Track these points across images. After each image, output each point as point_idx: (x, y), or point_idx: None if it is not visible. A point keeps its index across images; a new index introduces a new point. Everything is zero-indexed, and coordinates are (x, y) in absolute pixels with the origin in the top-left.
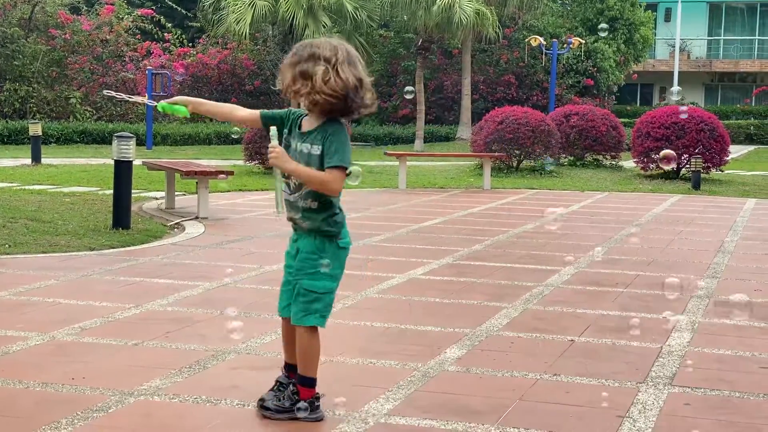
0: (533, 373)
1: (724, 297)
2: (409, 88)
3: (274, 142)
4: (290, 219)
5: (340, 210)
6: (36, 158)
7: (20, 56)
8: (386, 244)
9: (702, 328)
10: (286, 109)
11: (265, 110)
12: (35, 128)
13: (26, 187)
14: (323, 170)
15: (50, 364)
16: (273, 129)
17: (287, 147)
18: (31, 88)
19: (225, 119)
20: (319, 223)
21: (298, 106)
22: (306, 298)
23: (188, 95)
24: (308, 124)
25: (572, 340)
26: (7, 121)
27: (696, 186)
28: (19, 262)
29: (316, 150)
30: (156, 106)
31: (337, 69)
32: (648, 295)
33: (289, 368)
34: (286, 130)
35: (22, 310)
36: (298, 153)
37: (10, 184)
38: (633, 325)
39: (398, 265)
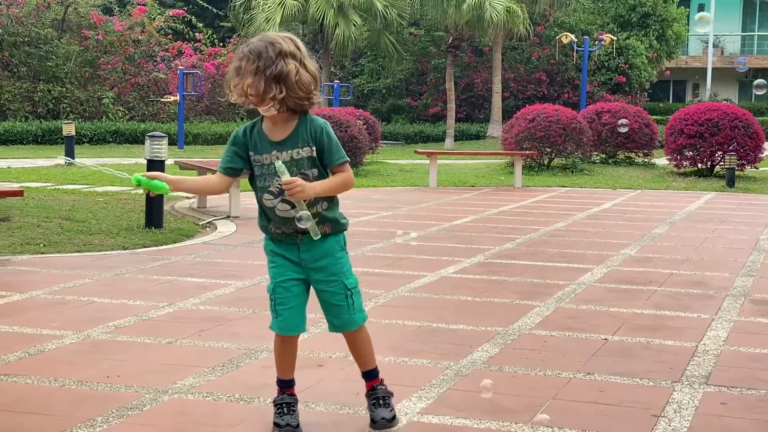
0: (566, 372)
1: (759, 295)
2: (302, 214)
3: (286, 176)
4: (296, 232)
5: None
6: (70, 158)
7: (54, 57)
8: (417, 243)
9: (737, 326)
10: (233, 137)
11: (222, 164)
12: (69, 128)
13: (60, 187)
14: (317, 169)
15: (85, 362)
16: (279, 163)
17: (257, 166)
18: (64, 89)
19: (206, 193)
20: (335, 219)
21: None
22: (357, 297)
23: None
24: (277, 130)
25: (606, 339)
26: (41, 122)
27: (730, 183)
28: (54, 262)
29: (307, 152)
30: (131, 179)
31: (304, 63)
32: (682, 294)
33: (290, 383)
34: (251, 152)
35: (57, 309)
36: (276, 165)
37: (45, 184)
38: (667, 323)
39: (429, 263)
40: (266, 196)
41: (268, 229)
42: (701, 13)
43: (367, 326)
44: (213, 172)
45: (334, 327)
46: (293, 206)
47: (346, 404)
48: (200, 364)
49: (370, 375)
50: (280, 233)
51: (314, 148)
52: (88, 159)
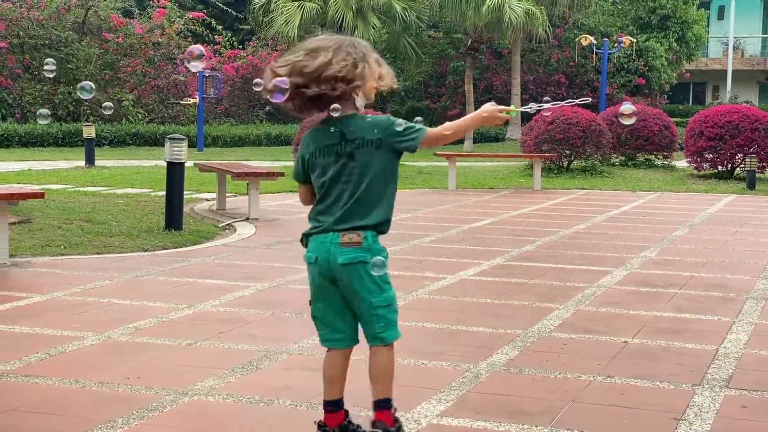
0: (586, 374)
1: None
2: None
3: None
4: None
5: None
6: (90, 160)
7: (74, 60)
8: (436, 245)
9: (758, 329)
10: (302, 143)
11: (297, 172)
12: (89, 131)
13: (80, 189)
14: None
15: (106, 363)
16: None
17: (323, 166)
18: None
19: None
20: None
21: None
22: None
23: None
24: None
25: (626, 342)
26: (61, 124)
27: (751, 186)
28: (74, 263)
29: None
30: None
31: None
32: (703, 296)
33: (339, 404)
34: (315, 153)
35: (77, 310)
36: (359, 156)
37: (65, 186)
38: (688, 326)
39: (448, 265)
40: None
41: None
42: (624, 107)
43: None
44: (233, 174)
45: None
46: None
47: (366, 407)
48: (220, 366)
49: (388, 402)
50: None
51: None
52: (108, 161)
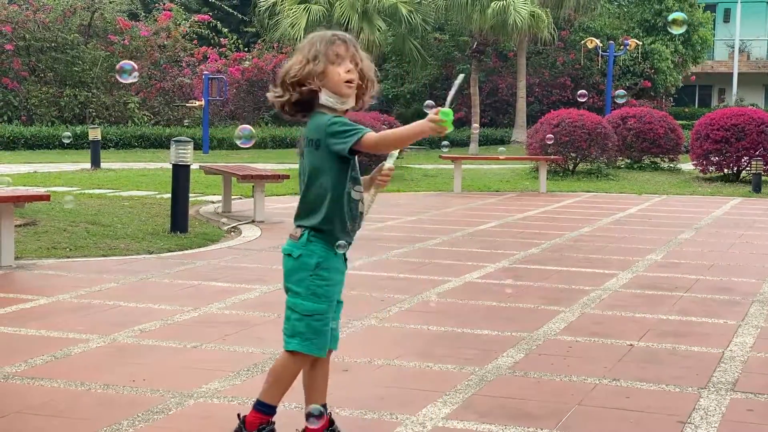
0: (592, 377)
1: None
2: (428, 102)
3: (390, 162)
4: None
5: None
6: (95, 163)
7: (80, 62)
8: (441, 248)
9: (764, 332)
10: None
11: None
12: (95, 133)
13: (86, 191)
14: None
15: (111, 365)
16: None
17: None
18: (90, 94)
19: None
20: None
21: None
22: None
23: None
24: None
25: (631, 345)
26: (67, 126)
27: (757, 189)
28: (80, 265)
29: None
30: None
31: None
32: (708, 300)
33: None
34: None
35: (83, 313)
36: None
37: (71, 189)
38: (693, 329)
39: (454, 268)
40: (357, 187)
41: (342, 235)
42: (675, 15)
43: (393, 330)
44: (238, 176)
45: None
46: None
47: (371, 409)
48: (225, 369)
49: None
50: (351, 234)
51: None
52: (114, 164)
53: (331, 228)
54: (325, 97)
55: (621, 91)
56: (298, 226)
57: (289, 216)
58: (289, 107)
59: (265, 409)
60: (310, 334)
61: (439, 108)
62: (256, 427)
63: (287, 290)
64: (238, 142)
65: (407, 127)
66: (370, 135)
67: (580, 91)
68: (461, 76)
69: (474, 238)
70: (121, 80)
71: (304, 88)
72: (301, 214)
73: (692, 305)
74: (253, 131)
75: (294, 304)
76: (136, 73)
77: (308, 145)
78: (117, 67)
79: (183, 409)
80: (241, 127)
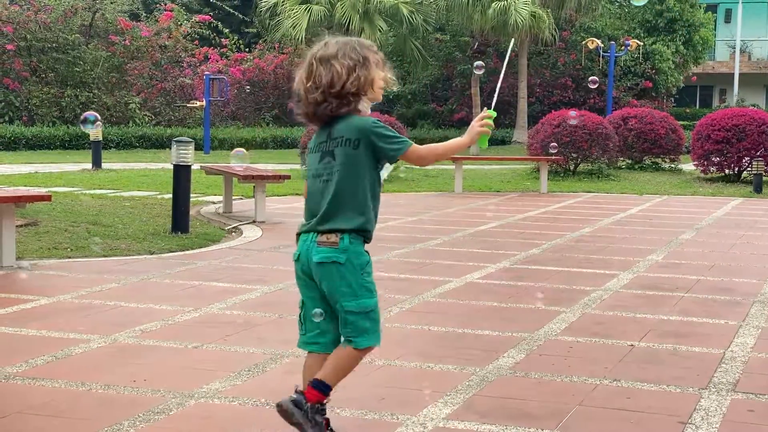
0: (593, 378)
1: None
2: (478, 63)
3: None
4: None
5: None
6: (96, 163)
7: (81, 62)
8: (442, 248)
9: (765, 333)
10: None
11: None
12: (96, 133)
13: (87, 192)
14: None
15: (112, 366)
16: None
17: (311, 163)
18: (91, 94)
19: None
20: None
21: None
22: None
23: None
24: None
25: (632, 345)
26: (68, 127)
27: (758, 189)
28: (81, 266)
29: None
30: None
31: None
32: (709, 300)
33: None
34: (311, 149)
35: (83, 313)
36: None
37: (72, 189)
38: (694, 330)
39: (455, 268)
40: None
41: (371, 233)
42: None
43: (394, 330)
44: (239, 177)
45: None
46: None
47: (371, 410)
48: (226, 369)
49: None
50: None
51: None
52: (115, 164)
53: (371, 228)
54: (363, 104)
55: (572, 112)
56: (332, 230)
57: (290, 216)
58: (323, 115)
59: (325, 390)
60: (375, 326)
61: (486, 109)
62: (316, 402)
63: (335, 297)
64: (231, 162)
65: (451, 142)
66: (417, 147)
67: (591, 78)
68: (510, 49)
69: (475, 238)
70: (84, 129)
71: (354, 96)
72: (333, 217)
73: (693, 306)
74: (246, 153)
75: (354, 307)
76: (99, 123)
77: (343, 144)
78: (81, 117)
79: (184, 409)
80: (235, 150)
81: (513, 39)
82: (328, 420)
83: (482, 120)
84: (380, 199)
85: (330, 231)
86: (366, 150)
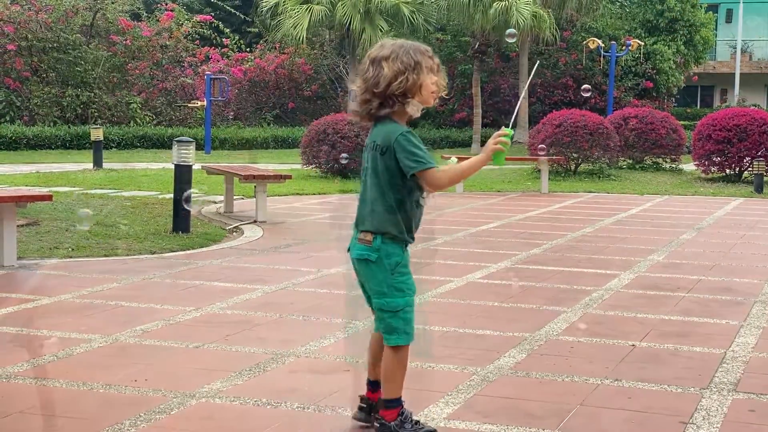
0: (594, 378)
1: None
2: (511, 30)
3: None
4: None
5: None
6: (97, 163)
7: (82, 62)
8: (444, 248)
9: (766, 333)
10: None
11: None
12: (97, 133)
13: (88, 192)
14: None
15: (113, 365)
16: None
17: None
18: (92, 94)
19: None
20: None
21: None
22: None
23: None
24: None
25: (633, 345)
26: (69, 127)
27: (759, 189)
28: (82, 266)
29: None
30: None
31: None
32: (710, 300)
33: (373, 386)
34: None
35: (85, 313)
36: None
37: (73, 189)
38: (695, 330)
39: (456, 268)
40: (423, 194)
41: (408, 237)
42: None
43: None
44: (240, 177)
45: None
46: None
47: None
48: (227, 369)
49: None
50: (413, 235)
51: None
52: (116, 164)
53: (397, 232)
54: (412, 107)
55: (508, 129)
56: (365, 231)
57: (291, 216)
58: (366, 114)
59: (395, 404)
60: (405, 326)
61: (503, 127)
62: (396, 417)
63: (370, 294)
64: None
65: (467, 163)
66: (435, 172)
67: (584, 86)
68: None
69: (476, 238)
70: (186, 207)
71: (399, 98)
72: (366, 218)
73: (694, 305)
74: (90, 214)
75: (383, 305)
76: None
77: (374, 149)
78: (184, 196)
79: (185, 409)
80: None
81: (537, 61)
82: (408, 416)
83: (498, 138)
84: (418, 208)
85: (365, 231)
86: (391, 157)
